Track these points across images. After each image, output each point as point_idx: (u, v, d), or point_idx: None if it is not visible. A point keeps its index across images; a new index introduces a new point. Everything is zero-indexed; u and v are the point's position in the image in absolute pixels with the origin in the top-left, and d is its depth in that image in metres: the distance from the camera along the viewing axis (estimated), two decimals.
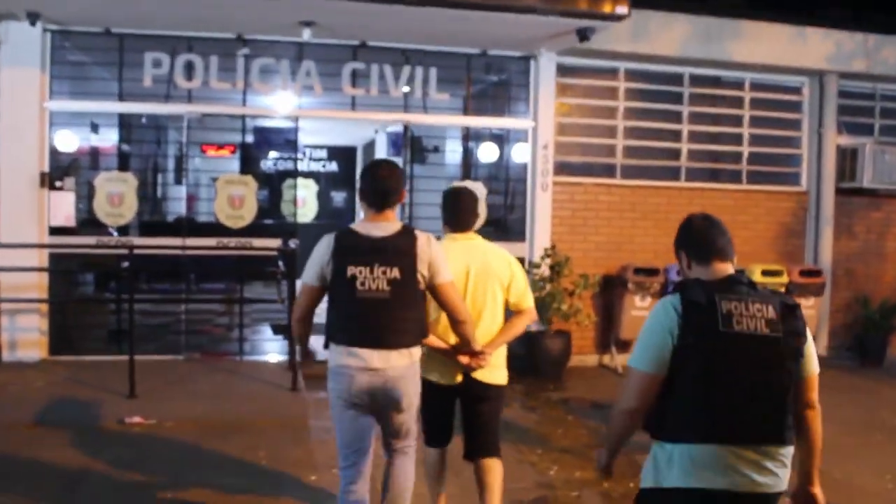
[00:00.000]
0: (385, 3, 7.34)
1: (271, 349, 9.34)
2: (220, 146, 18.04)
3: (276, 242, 8.72)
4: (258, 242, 8.74)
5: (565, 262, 9.02)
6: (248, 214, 8.76)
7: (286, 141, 10.02)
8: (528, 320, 4.42)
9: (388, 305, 3.75)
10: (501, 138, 10.37)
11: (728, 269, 2.82)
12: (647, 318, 2.78)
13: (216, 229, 8.79)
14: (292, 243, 8.39)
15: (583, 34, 8.12)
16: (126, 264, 9.74)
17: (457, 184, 9.38)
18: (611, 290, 9.72)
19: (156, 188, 12.84)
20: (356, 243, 3.80)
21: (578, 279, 9.04)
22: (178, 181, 16.74)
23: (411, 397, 3.92)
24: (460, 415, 4.45)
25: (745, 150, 10.52)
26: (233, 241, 8.70)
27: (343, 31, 8.48)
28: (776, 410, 2.69)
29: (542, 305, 9.02)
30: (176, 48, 8.69)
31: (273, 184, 18.88)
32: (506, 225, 10.13)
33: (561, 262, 9.00)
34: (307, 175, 19.75)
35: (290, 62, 8.89)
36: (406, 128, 9.41)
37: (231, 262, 9.28)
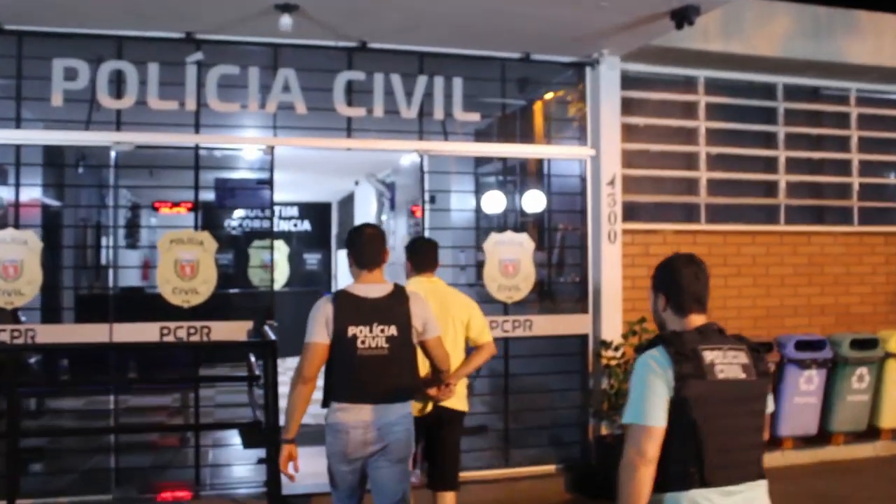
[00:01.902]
0: None
1: (241, 476, 6.59)
2: (175, 203, 15.47)
3: (244, 327, 6.05)
4: (220, 328, 6.06)
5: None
6: (204, 287, 6.09)
7: (256, 184, 7.35)
8: (487, 354, 4.86)
9: (386, 362, 3.97)
10: (541, 173, 7.86)
11: (703, 319, 2.88)
12: (636, 373, 2.77)
13: (159, 308, 6.10)
14: (270, 330, 5.70)
15: (683, 15, 5.67)
16: (34, 359, 7.12)
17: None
18: None
19: (85, 253, 10.08)
20: (355, 304, 3.99)
21: None
22: (126, 242, 14.09)
23: (405, 449, 4.06)
24: (425, 446, 4.80)
25: (856, 181, 8.11)
26: (183, 327, 6.01)
27: (336, 21, 5.96)
28: (756, 448, 2.81)
29: (620, 401, 6.42)
30: (99, 53, 6.09)
31: (238, 245, 16.32)
32: (555, 291, 7.57)
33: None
34: (277, 235, 17.21)
35: (260, 71, 6.33)
36: (422, 160, 6.84)
37: (183, 354, 6.58)
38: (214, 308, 6.19)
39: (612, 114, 7.02)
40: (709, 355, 2.72)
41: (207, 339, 6.10)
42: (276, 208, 19.07)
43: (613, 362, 6.62)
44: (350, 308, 3.95)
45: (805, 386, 7.11)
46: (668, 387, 2.67)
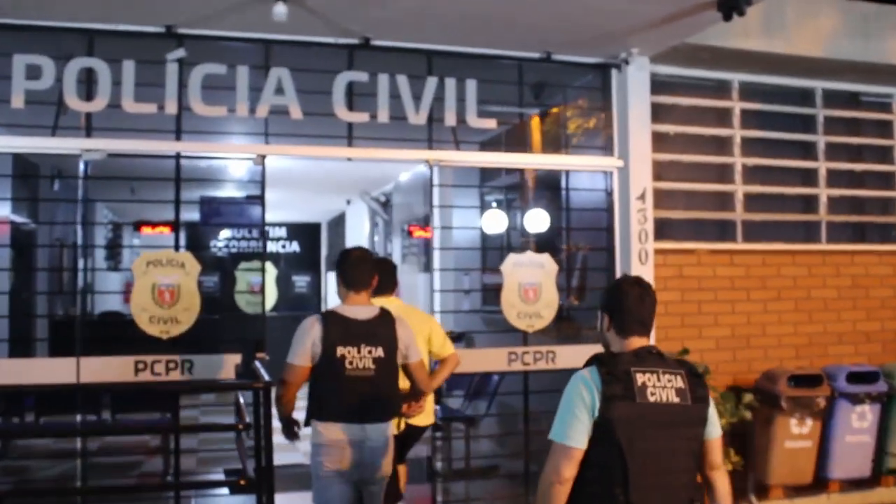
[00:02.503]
0: None
1: None
2: (156, 224, 14.65)
3: (232, 361, 5.27)
4: (204, 363, 5.28)
5: (705, 375, 5.69)
6: (185, 315, 5.31)
7: (245, 199, 6.56)
8: (452, 365, 5.01)
9: (373, 382, 4.05)
10: (556, 186, 7.16)
11: (644, 341, 2.89)
12: (566, 392, 2.79)
13: (138, 337, 5.33)
14: (262, 369, 4.90)
15: (733, 5, 5.00)
16: None
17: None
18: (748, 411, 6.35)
19: (61, 276, 9.30)
20: (344, 325, 4.07)
21: (724, 401, 5.72)
22: (106, 264, 13.25)
23: (388, 467, 4.15)
24: None
25: None
26: (161, 361, 5.23)
27: (336, 12, 5.25)
28: (687, 473, 2.80)
29: None
30: (67, 49, 5.36)
31: (223, 267, 15.49)
32: (576, 318, 6.83)
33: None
34: (265, 256, 16.47)
35: (250, 71, 5.60)
36: (431, 172, 6.10)
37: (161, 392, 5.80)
38: (198, 339, 5.41)
39: (641, 121, 6.34)
40: (641, 378, 2.75)
41: (189, 374, 5.33)
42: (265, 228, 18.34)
43: None
44: (339, 328, 4.04)
45: (858, 423, 6.38)
46: (591, 409, 2.71)
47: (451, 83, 5.97)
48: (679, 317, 6.49)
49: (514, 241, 7.80)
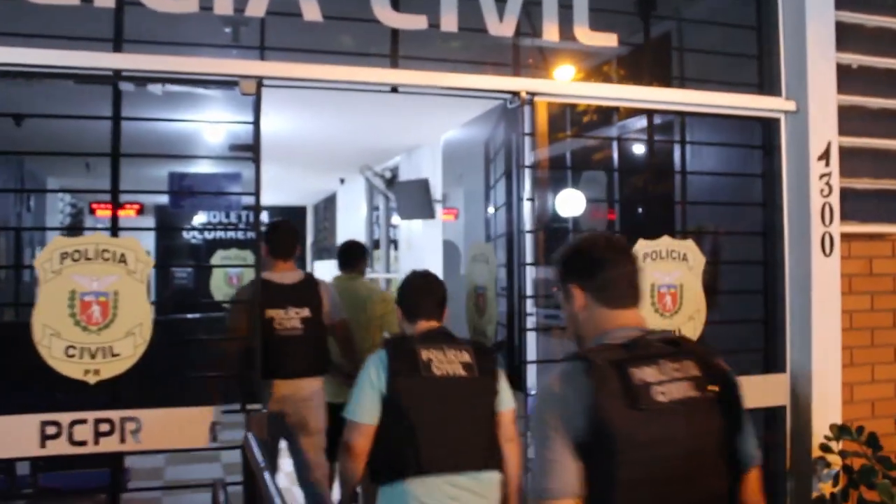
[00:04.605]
0: None
1: None
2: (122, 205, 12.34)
3: (201, 420, 3.11)
4: (161, 424, 3.12)
5: None
6: (126, 343, 3.13)
7: (230, 155, 4.33)
8: None
9: (300, 341, 4.49)
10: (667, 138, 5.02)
11: (432, 325, 3.20)
12: (359, 374, 3.03)
13: (44, 383, 3.15)
14: (255, 442, 2.71)
15: None
16: None
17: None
18: None
19: None
20: (272, 289, 4.38)
21: None
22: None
23: (318, 421, 4.57)
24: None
25: None
26: (86, 422, 3.07)
27: None
28: (478, 439, 3.00)
29: None
30: None
31: (197, 254, 13.31)
32: (710, 335, 4.71)
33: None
34: (243, 244, 14.33)
35: None
36: (522, 104, 3.91)
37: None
38: (148, 381, 3.25)
39: (822, 47, 4.21)
40: (426, 354, 2.98)
41: (134, 441, 3.17)
42: (242, 213, 16.14)
43: (857, 462, 3.80)
44: (267, 293, 4.12)
45: None
46: (380, 385, 2.92)
47: None
48: (868, 332, 4.38)
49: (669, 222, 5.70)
